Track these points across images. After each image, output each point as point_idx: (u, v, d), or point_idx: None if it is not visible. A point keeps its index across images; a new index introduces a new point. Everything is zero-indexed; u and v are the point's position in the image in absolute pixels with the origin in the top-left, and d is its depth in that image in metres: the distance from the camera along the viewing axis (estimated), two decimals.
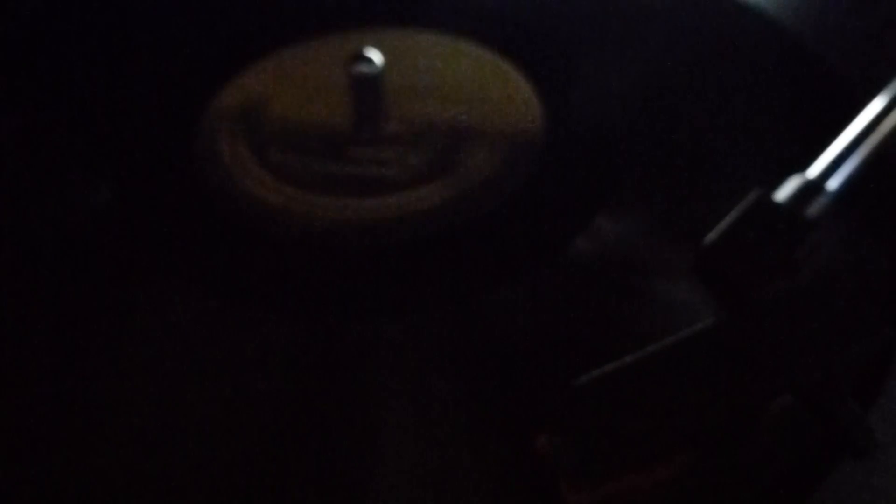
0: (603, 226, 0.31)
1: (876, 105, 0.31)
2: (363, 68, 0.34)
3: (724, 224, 0.25)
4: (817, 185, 0.27)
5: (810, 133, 0.30)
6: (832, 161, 0.29)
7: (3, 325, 0.28)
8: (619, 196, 0.32)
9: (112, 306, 0.29)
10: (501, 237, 0.31)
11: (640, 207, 0.32)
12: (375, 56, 0.34)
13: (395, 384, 0.26)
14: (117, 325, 0.28)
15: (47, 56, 0.41)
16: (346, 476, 0.24)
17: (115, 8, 0.43)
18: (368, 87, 0.34)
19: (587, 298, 0.29)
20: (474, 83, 0.38)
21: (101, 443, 0.25)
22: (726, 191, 0.28)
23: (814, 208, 0.27)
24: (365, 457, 0.24)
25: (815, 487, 0.22)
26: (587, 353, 0.23)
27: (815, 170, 0.28)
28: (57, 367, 0.27)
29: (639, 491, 0.22)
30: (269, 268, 0.30)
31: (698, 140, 0.35)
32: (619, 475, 0.22)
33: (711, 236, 0.25)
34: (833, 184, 0.28)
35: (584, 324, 0.28)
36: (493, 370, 0.26)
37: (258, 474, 0.24)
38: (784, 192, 0.27)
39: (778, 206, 0.26)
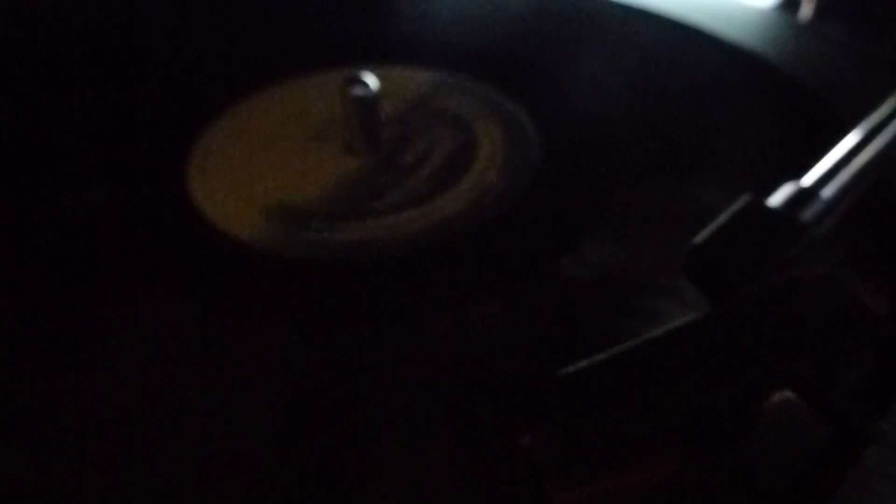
0: (589, 246, 0.31)
1: (867, 123, 0.31)
2: (359, 91, 0.34)
3: (713, 225, 0.25)
4: (811, 191, 0.27)
5: (797, 158, 0.30)
6: (826, 171, 0.28)
7: None
8: (606, 219, 0.32)
9: (100, 308, 0.29)
10: (491, 254, 0.31)
11: (626, 230, 0.32)
12: (371, 80, 0.35)
13: (387, 392, 0.26)
14: (104, 327, 0.28)
15: (57, 56, 0.43)
16: (341, 479, 0.23)
17: (131, 25, 0.45)
18: (365, 109, 0.35)
19: (572, 311, 0.29)
20: (470, 113, 0.38)
21: (89, 449, 0.24)
22: (710, 214, 0.28)
23: (808, 213, 0.26)
24: (359, 460, 0.24)
25: (830, 492, 0.21)
26: (572, 361, 0.22)
27: (809, 178, 0.28)
28: (42, 368, 0.27)
29: (628, 490, 0.21)
30: (258, 279, 0.30)
31: (683, 169, 0.36)
32: (605, 473, 0.21)
33: (700, 236, 0.25)
34: (827, 192, 0.28)
35: (569, 334, 0.27)
36: (482, 376, 0.26)
37: (255, 481, 0.23)
38: (778, 198, 0.27)
39: (771, 210, 0.26)
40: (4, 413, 0.25)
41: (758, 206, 0.26)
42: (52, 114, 0.40)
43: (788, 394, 0.21)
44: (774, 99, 0.40)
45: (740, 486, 0.21)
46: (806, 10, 0.49)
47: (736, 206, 0.26)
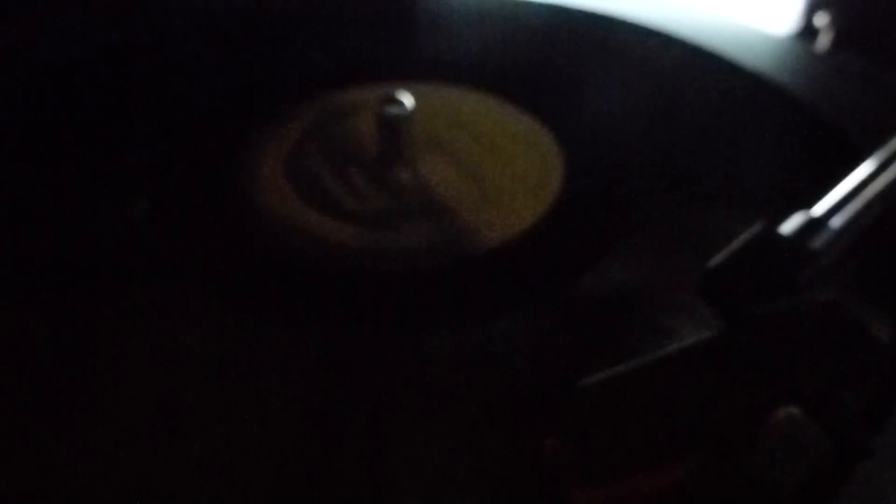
0: (608, 264, 0.33)
1: (878, 155, 0.32)
2: (394, 110, 0.36)
3: (727, 250, 0.27)
4: (821, 221, 0.29)
5: (809, 185, 0.32)
6: (836, 202, 0.30)
7: (31, 325, 0.30)
8: (627, 239, 0.34)
9: (138, 314, 0.31)
10: (517, 268, 0.33)
11: (643, 250, 0.34)
12: (406, 99, 0.37)
13: (413, 396, 0.27)
14: (140, 333, 0.30)
15: (104, 72, 0.45)
16: (359, 482, 0.25)
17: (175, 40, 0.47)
18: (399, 127, 0.37)
19: (591, 325, 0.30)
20: (496, 132, 0.40)
21: (122, 451, 0.26)
22: (723, 238, 0.29)
23: (817, 241, 0.28)
24: (383, 460, 0.25)
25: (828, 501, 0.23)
26: (591, 372, 0.24)
27: (819, 208, 0.30)
28: (77, 370, 0.28)
29: (643, 493, 0.22)
30: (293, 285, 0.32)
31: (702, 192, 0.37)
32: (624, 477, 0.22)
33: (716, 259, 0.27)
34: (836, 222, 0.29)
35: (588, 347, 0.29)
36: (505, 384, 0.27)
37: (272, 480, 0.25)
38: (789, 226, 0.28)
39: (782, 237, 0.28)
40: (55, 405, 0.27)
41: (770, 234, 0.28)
42: (101, 120, 0.42)
43: (793, 409, 0.23)
44: (789, 126, 0.41)
45: (745, 493, 0.23)
46: (823, 40, 0.50)
47: (749, 232, 0.28)
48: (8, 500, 0.24)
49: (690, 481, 0.23)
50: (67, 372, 0.29)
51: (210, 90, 0.44)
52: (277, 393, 0.28)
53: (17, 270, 0.33)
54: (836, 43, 0.50)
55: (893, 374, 0.25)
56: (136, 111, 0.43)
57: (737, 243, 0.27)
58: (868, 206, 0.30)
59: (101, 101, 0.44)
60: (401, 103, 0.37)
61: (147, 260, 0.34)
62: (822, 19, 0.51)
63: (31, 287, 0.32)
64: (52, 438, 0.26)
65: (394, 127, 0.37)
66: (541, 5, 0.51)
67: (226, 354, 0.29)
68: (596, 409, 0.23)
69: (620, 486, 0.22)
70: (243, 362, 0.29)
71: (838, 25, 0.50)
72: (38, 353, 0.29)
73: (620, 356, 0.27)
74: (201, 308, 0.31)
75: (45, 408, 0.27)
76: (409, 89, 0.38)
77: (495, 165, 0.38)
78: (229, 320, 0.31)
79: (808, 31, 0.51)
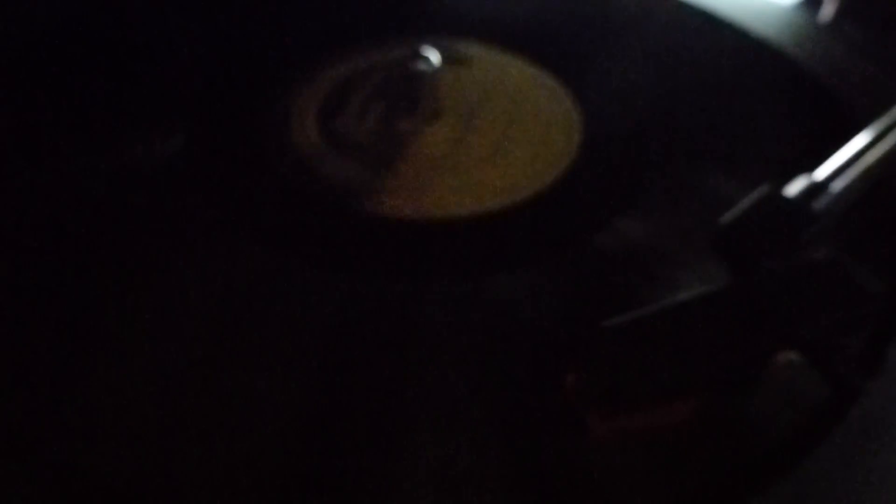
0: (623, 225, 0.35)
1: (878, 124, 0.35)
2: (421, 66, 0.38)
3: (737, 209, 0.29)
4: (823, 185, 0.31)
5: (814, 148, 0.34)
6: (837, 167, 0.32)
7: (63, 258, 0.32)
8: (640, 200, 0.36)
9: (169, 249, 0.32)
10: (532, 226, 0.35)
11: (658, 211, 0.36)
12: (433, 55, 0.38)
13: (441, 339, 0.29)
14: (170, 270, 0.32)
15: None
16: (383, 424, 0.26)
17: None
18: (424, 83, 0.38)
19: (606, 278, 0.33)
20: (519, 91, 0.42)
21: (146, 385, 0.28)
22: (729, 199, 0.31)
23: (819, 203, 0.30)
24: (400, 402, 0.27)
25: (818, 442, 0.25)
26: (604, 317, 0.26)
27: (821, 172, 0.32)
28: (107, 302, 0.30)
29: (655, 426, 0.25)
30: (320, 228, 0.34)
31: (709, 155, 0.39)
32: (638, 409, 0.25)
33: (726, 217, 0.29)
34: (837, 186, 0.31)
35: (603, 297, 0.31)
36: (525, 330, 0.29)
37: (300, 419, 0.27)
38: (793, 188, 0.31)
39: (787, 199, 0.30)
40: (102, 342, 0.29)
41: (775, 195, 0.30)
42: (138, 56, 0.43)
43: (793, 354, 0.25)
44: (792, 93, 0.43)
45: (746, 429, 0.26)
46: (827, 10, 0.52)
47: (757, 193, 0.30)
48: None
49: (698, 415, 0.25)
50: (97, 305, 0.30)
51: (252, 32, 0.45)
52: (301, 330, 0.29)
53: (53, 204, 0.35)
54: (840, 13, 0.52)
55: (882, 324, 0.28)
56: (175, 48, 0.44)
57: (745, 203, 0.29)
58: (866, 173, 0.33)
59: (140, 36, 0.45)
60: (427, 59, 0.38)
61: (179, 197, 0.35)
62: None
63: (64, 221, 0.34)
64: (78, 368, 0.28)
65: (420, 82, 0.38)
66: None
67: (252, 292, 0.31)
68: (616, 348, 0.25)
69: (635, 418, 0.25)
70: (270, 300, 0.31)
71: None
72: (68, 286, 0.31)
73: (632, 306, 0.30)
74: (230, 246, 0.33)
75: (72, 341, 0.29)
76: (433, 45, 0.39)
77: (516, 124, 0.40)
78: (258, 258, 0.32)
79: (812, 1, 0.53)
